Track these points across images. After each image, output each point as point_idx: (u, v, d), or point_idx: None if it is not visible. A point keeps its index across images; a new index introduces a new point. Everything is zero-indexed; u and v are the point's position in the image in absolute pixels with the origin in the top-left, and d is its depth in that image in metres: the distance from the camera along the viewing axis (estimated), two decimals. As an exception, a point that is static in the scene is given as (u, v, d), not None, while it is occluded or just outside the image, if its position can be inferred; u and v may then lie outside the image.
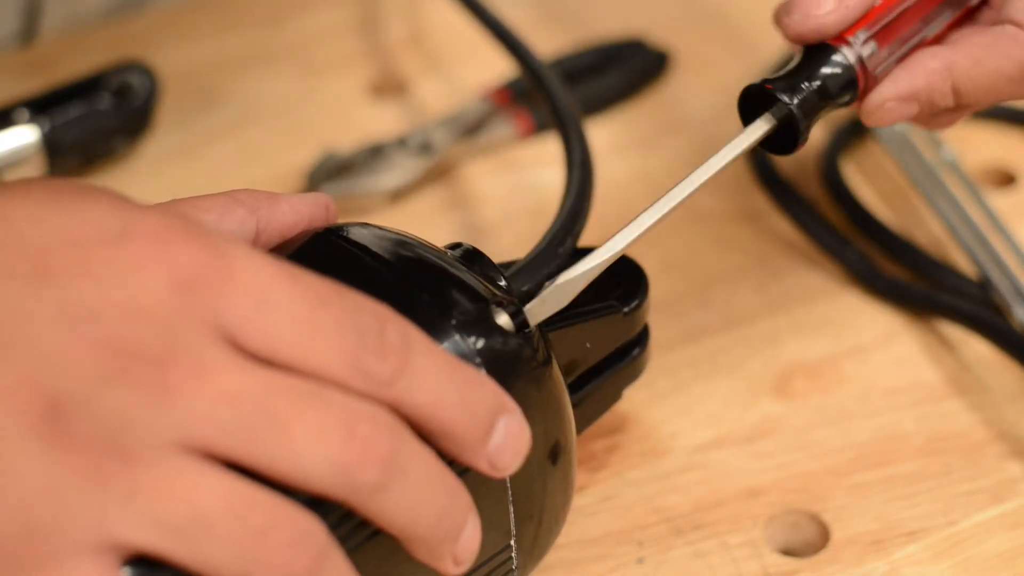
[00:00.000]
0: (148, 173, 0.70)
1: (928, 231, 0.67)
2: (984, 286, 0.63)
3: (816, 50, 0.52)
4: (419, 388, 0.42)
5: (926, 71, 0.53)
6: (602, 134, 0.72)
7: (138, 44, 0.75)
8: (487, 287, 0.48)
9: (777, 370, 0.61)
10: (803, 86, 0.52)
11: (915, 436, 0.59)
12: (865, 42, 0.53)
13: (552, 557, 0.54)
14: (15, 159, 0.66)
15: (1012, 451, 0.58)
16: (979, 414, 0.60)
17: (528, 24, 0.76)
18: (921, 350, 0.62)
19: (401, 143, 0.69)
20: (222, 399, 0.39)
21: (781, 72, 0.52)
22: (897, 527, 0.56)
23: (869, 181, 0.69)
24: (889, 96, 0.53)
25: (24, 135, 0.66)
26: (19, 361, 0.39)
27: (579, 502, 0.56)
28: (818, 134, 0.72)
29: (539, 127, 0.72)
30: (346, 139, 0.71)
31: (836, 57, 0.52)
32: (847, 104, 0.53)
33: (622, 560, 0.55)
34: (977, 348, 0.62)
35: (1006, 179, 0.70)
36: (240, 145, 0.72)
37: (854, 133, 0.71)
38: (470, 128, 0.71)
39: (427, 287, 0.46)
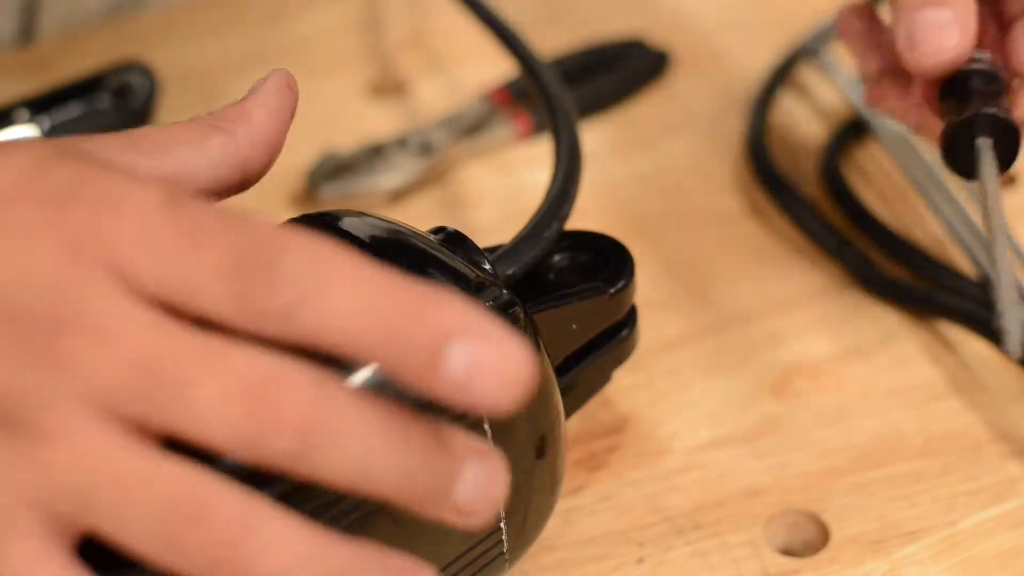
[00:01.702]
0: (148, 173, 0.70)
1: (928, 231, 0.67)
2: (984, 286, 0.63)
3: (965, 76, 0.55)
4: (328, 318, 0.37)
5: None
6: (602, 134, 0.72)
7: (138, 44, 0.75)
8: (471, 270, 0.48)
9: (777, 370, 0.61)
10: (991, 106, 0.54)
11: (915, 436, 0.59)
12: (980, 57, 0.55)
13: (552, 557, 0.54)
14: (15, 159, 0.66)
15: (1012, 451, 0.58)
16: (979, 414, 0.60)
17: (528, 24, 0.75)
18: (921, 350, 0.62)
19: (401, 143, 0.69)
20: (119, 364, 0.38)
21: (964, 110, 0.54)
22: (897, 527, 0.56)
23: (869, 181, 0.69)
24: None
25: (24, 135, 0.66)
26: None
27: (579, 502, 0.56)
28: (818, 134, 0.72)
29: (539, 127, 0.71)
30: (346, 139, 0.71)
31: (986, 69, 0.55)
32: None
33: (622, 560, 0.55)
34: (977, 348, 0.62)
35: (1006, 179, 0.70)
36: (240, 145, 0.72)
37: (854, 133, 0.71)
38: (470, 128, 0.71)
39: (409, 270, 0.46)
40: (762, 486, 0.57)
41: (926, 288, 0.64)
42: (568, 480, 0.56)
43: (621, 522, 0.56)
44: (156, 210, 0.39)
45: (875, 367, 0.61)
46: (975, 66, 0.55)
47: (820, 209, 0.68)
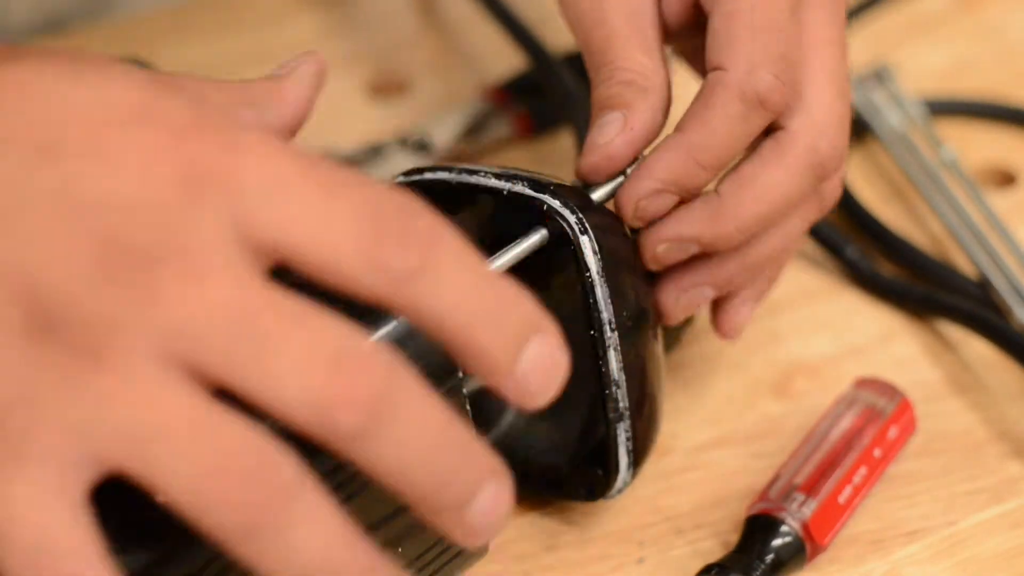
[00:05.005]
0: (148, 173, 0.70)
1: (928, 231, 0.67)
2: (984, 286, 0.63)
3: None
4: (442, 290, 0.38)
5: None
6: (602, 134, 0.72)
7: (138, 44, 0.75)
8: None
9: (777, 370, 0.61)
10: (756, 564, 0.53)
11: (915, 436, 0.59)
12: (802, 504, 0.54)
13: (552, 557, 0.54)
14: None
15: (1012, 451, 0.58)
16: (979, 414, 0.60)
17: (531, 24, 0.76)
18: (921, 350, 0.62)
19: (401, 143, 0.69)
20: (207, 309, 0.36)
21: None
22: (897, 527, 0.56)
23: (869, 181, 0.69)
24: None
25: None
26: (10, 248, 0.36)
27: (579, 502, 0.56)
28: (818, 134, 0.72)
29: (538, 127, 0.71)
30: (346, 139, 0.71)
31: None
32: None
33: (622, 560, 0.55)
34: (977, 348, 0.62)
35: (1006, 179, 0.70)
36: (240, 145, 0.72)
37: (854, 133, 0.71)
38: (470, 128, 0.71)
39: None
40: (762, 486, 0.57)
41: (926, 288, 0.64)
42: (568, 480, 0.56)
43: (621, 522, 0.56)
44: (286, 159, 0.38)
45: (875, 367, 0.61)
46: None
47: (820, 209, 0.68)
